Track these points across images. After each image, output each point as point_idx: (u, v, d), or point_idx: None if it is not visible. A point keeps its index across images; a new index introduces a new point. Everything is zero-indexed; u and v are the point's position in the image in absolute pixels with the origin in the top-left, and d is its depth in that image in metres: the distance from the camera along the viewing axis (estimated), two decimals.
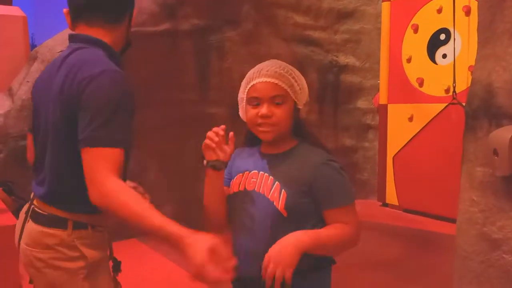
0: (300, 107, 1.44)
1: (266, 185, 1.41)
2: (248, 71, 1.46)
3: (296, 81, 1.42)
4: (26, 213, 1.53)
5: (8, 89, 4.40)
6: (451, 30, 5.01)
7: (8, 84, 4.45)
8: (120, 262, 1.62)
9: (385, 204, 6.07)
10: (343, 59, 6.50)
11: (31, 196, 1.57)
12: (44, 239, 1.43)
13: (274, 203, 1.38)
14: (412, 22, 5.54)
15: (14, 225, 1.80)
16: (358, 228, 1.40)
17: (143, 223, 1.29)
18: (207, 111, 5.12)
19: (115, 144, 1.31)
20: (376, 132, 6.28)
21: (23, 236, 1.51)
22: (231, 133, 1.49)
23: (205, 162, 1.49)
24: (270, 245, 1.37)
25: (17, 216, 2.43)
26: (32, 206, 1.51)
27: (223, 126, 1.48)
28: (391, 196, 5.90)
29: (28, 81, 4.16)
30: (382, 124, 5.98)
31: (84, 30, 1.50)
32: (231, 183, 1.52)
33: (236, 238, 1.47)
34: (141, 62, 4.65)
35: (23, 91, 4.25)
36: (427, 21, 5.37)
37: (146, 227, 1.29)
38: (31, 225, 1.48)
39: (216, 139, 1.45)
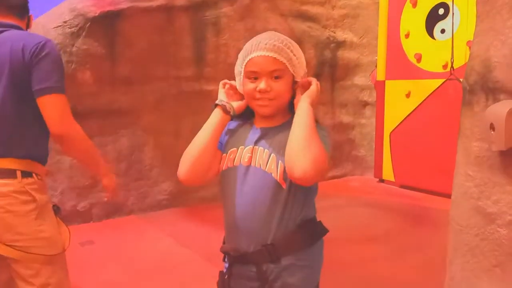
0: (298, 80, 1.43)
1: (262, 159, 1.40)
2: None
3: (294, 54, 1.40)
4: None
5: None
6: (450, 4, 4.96)
7: None
8: (59, 207, 1.96)
9: (382, 180, 6.11)
10: (341, 34, 6.45)
11: None
12: (0, 189, 1.75)
13: (272, 175, 1.37)
14: None
15: None
16: (325, 165, 1.28)
17: (94, 157, 2.01)
18: (203, 88, 5.09)
19: (64, 91, 1.81)
20: (373, 109, 6.28)
21: None
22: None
23: (217, 100, 1.47)
24: (267, 220, 1.37)
25: None
26: None
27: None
28: (388, 172, 5.93)
29: None
30: (379, 101, 5.98)
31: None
32: (224, 158, 1.47)
33: (230, 214, 1.47)
34: (136, 38, 4.61)
35: None
36: None
37: (94, 160, 2.02)
38: None
39: (234, 85, 1.48)
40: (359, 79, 6.55)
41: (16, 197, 1.75)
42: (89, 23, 4.30)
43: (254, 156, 1.42)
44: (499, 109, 1.15)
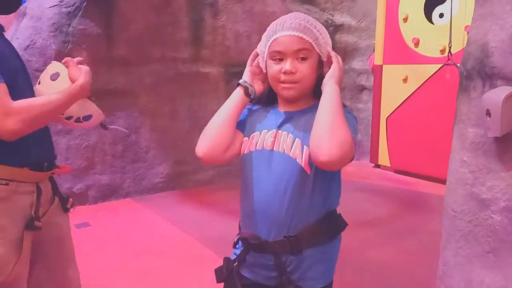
0: (324, 59, 1.38)
1: (286, 143, 1.34)
2: (242, 29, 1.42)
3: (320, 33, 1.35)
4: None
5: None
6: None
7: None
8: (33, 217, 1.57)
9: (377, 166, 6.13)
10: (339, 18, 6.40)
11: None
12: None
13: (297, 160, 1.31)
14: None
15: None
16: (351, 149, 1.24)
17: (56, 106, 1.52)
18: (200, 70, 5.06)
19: None
20: (371, 93, 6.26)
21: None
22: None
23: (241, 80, 1.44)
24: (289, 209, 1.33)
25: None
26: None
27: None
28: (384, 157, 5.95)
29: (17, 38, 4.08)
30: (377, 85, 5.96)
31: None
32: (246, 141, 1.42)
33: (250, 199, 1.40)
34: (132, 18, 4.56)
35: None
36: None
37: (60, 107, 1.54)
38: None
39: (259, 68, 1.44)
40: (357, 63, 6.52)
41: None
42: (85, 3, 4.25)
43: (277, 141, 1.36)
44: (495, 95, 1.15)
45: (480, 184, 1.27)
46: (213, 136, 1.38)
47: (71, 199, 1.77)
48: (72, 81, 1.60)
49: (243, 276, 1.43)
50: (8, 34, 4.33)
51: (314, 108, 1.31)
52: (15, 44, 4.17)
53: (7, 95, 1.41)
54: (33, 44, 4.09)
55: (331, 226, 1.40)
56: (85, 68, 1.64)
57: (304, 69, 1.33)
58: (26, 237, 1.55)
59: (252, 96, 1.42)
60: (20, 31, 4.16)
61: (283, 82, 1.35)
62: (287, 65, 1.32)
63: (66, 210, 1.75)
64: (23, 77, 1.57)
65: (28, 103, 1.45)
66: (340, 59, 1.39)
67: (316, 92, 1.38)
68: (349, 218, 1.45)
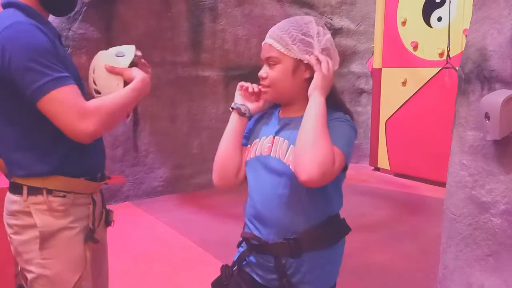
0: (312, 63, 1.35)
1: (281, 149, 1.37)
2: (242, 33, 1.44)
3: (298, 40, 1.35)
4: None
5: None
6: None
7: None
8: (93, 229, 1.52)
9: (377, 169, 6.13)
10: (338, 21, 6.41)
11: None
12: (10, 206, 1.43)
13: (290, 167, 1.33)
14: None
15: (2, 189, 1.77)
16: (331, 168, 1.23)
17: (126, 103, 1.45)
18: (200, 73, 5.07)
19: (62, 82, 1.32)
20: (370, 97, 6.27)
21: None
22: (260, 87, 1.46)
23: (232, 104, 1.48)
24: (287, 212, 1.34)
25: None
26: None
27: (260, 86, 1.45)
28: (383, 160, 5.95)
29: None
30: (376, 89, 5.97)
31: None
32: (247, 149, 1.47)
33: (252, 202, 1.43)
34: (132, 22, 4.57)
35: None
36: None
37: (130, 103, 1.47)
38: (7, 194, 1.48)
39: (250, 89, 1.45)
40: (356, 67, 6.53)
41: (20, 218, 1.41)
42: (85, 7, 4.26)
43: (274, 146, 1.39)
44: (494, 99, 1.15)
45: (479, 187, 1.27)
46: (219, 164, 1.45)
47: (112, 212, 1.72)
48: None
49: (247, 274, 1.44)
50: None
51: None
52: None
53: (80, 96, 1.36)
54: None
55: (333, 230, 1.40)
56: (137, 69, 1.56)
57: (272, 75, 1.37)
58: (87, 249, 1.49)
59: (247, 114, 1.46)
60: None
61: (260, 85, 1.42)
62: (261, 70, 1.40)
63: (109, 224, 1.72)
64: (78, 83, 1.48)
65: (100, 103, 1.39)
66: (326, 64, 1.33)
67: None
68: (348, 221, 1.45)
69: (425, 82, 5.32)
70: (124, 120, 1.62)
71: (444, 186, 1.48)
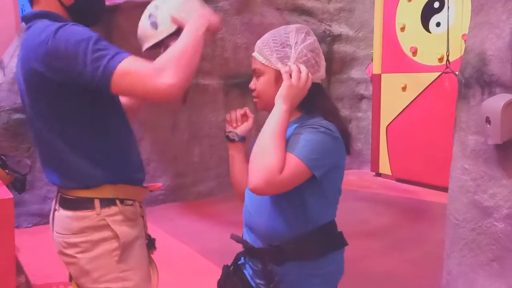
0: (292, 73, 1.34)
1: None
2: (241, 41, 1.47)
3: (275, 51, 1.36)
4: (55, 201, 1.46)
5: None
6: None
7: None
8: (154, 239, 1.54)
9: (378, 174, 6.12)
10: (337, 28, 6.43)
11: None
12: (75, 224, 1.36)
13: None
14: None
15: (9, 199, 1.76)
16: (276, 176, 1.21)
17: (194, 44, 1.36)
18: (200, 82, 5.08)
19: (122, 56, 1.28)
20: (370, 102, 6.27)
21: (54, 225, 1.44)
22: (246, 109, 1.56)
23: (224, 134, 1.59)
24: (272, 220, 1.35)
25: (11, 189, 2.41)
26: (59, 193, 1.43)
27: (246, 108, 1.57)
28: (384, 166, 5.94)
29: (19, 54, 4.10)
30: (376, 94, 5.97)
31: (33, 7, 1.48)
32: None
33: (245, 209, 1.48)
34: (132, 32, 4.57)
35: (14, 63, 4.17)
36: None
37: (197, 44, 1.38)
38: (61, 213, 1.40)
39: (234, 115, 1.55)
40: (355, 73, 6.54)
41: (92, 233, 1.36)
42: None
43: None
44: (494, 103, 1.15)
45: (482, 191, 1.27)
46: (235, 189, 1.59)
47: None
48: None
49: (243, 274, 1.48)
50: (10, 50, 4.36)
51: (299, 120, 1.38)
52: (17, 60, 4.18)
53: (145, 61, 1.30)
54: None
55: (321, 242, 1.37)
56: None
57: (258, 85, 1.43)
58: (151, 258, 1.51)
59: (237, 138, 1.55)
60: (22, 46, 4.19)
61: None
62: (251, 82, 1.45)
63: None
64: None
65: (167, 54, 1.31)
66: (296, 73, 1.31)
67: (302, 105, 1.37)
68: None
69: (425, 87, 5.33)
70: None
71: (447, 191, 1.47)
